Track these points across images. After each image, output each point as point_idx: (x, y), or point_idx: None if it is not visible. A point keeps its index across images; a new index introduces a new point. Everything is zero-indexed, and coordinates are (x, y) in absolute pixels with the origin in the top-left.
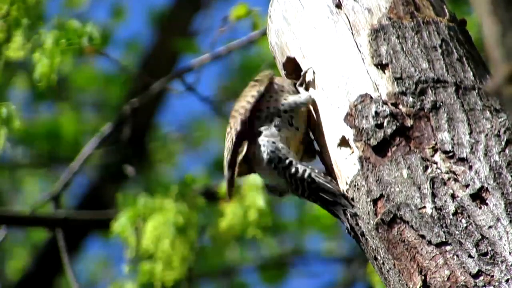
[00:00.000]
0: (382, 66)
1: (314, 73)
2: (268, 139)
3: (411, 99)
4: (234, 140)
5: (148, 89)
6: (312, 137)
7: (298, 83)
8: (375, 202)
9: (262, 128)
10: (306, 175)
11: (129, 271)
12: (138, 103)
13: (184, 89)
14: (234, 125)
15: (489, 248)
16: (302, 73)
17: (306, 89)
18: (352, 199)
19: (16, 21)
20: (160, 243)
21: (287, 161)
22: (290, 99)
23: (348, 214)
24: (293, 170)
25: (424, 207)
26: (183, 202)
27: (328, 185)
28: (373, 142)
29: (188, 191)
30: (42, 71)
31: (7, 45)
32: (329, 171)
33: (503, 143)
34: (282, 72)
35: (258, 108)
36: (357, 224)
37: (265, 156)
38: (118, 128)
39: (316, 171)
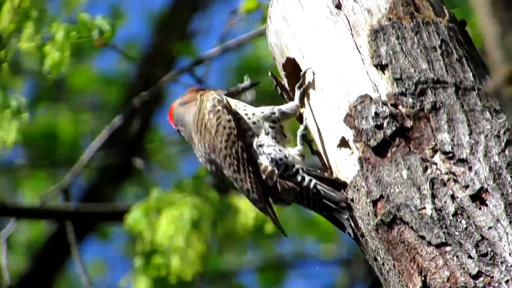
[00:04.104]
0: (381, 67)
1: (313, 73)
2: (273, 148)
3: (410, 99)
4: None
5: (157, 83)
6: (311, 138)
7: (297, 84)
8: (375, 203)
9: (261, 141)
10: (311, 185)
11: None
12: (148, 96)
13: (194, 82)
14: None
15: (489, 249)
16: (301, 74)
17: (306, 90)
18: (352, 200)
19: (26, 13)
20: (175, 237)
21: (294, 169)
22: (270, 109)
23: (352, 222)
24: (299, 178)
25: (424, 208)
26: (197, 196)
27: (333, 194)
28: (372, 143)
29: (201, 185)
30: (52, 63)
31: (18, 36)
32: (329, 172)
33: (503, 144)
34: (282, 73)
35: (241, 129)
36: (356, 225)
37: (269, 163)
38: (120, 127)
39: (320, 183)
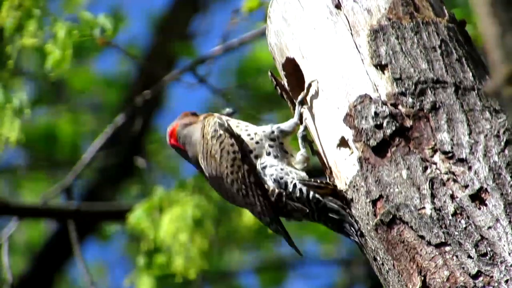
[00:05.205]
0: (381, 67)
1: (318, 82)
2: (275, 167)
3: (410, 99)
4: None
5: (158, 82)
6: (312, 138)
7: (299, 97)
8: (374, 202)
9: (263, 163)
10: (311, 195)
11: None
12: (150, 95)
13: (196, 81)
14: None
15: (489, 249)
16: (306, 86)
17: (308, 102)
18: (351, 199)
19: (28, 11)
20: (178, 236)
21: (292, 184)
22: (269, 128)
23: (354, 231)
24: (298, 193)
25: (424, 207)
26: (199, 195)
27: (332, 203)
28: (372, 142)
29: (204, 184)
30: (54, 61)
31: (20, 34)
32: (329, 172)
33: (502, 143)
34: (282, 73)
35: (245, 151)
36: (357, 223)
37: (272, 184)
38: (121, 127)
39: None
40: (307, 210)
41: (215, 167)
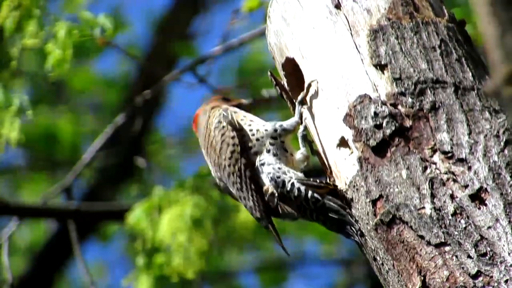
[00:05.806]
0: (381, 67)
1: (317, 82)
2: (273, 166)
3: (410, 99)
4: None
5: (159, 81)
6: (311, 138)
7: (299, 97)
8: (374, 202)
9: (262, 160)
10: (309, 194)
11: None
12: (150, 94)
13: (196, 81)
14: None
15: (488, 249)
16: (305, 86)
17: (308, 102)
18: (351, 199)
19: (28, 11)
20: (177, 236)
21: (290, 183)
22: (271, 125)
23: (354, 230)
24: (296, 192)
25: (423, 207)
26: (199, 195)
27: (331, 202)
28: (372, 142)
29: (203, 184)
30: (54, 61)
31: (20, 34)
32: (329, 172)
33: (502, 143)
34: (281, 73)
35: (245, 146)
36: (357, 223)
37: (269, 183)
38: (121, 127)
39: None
40: (297, 216)
41: (215, 157)
